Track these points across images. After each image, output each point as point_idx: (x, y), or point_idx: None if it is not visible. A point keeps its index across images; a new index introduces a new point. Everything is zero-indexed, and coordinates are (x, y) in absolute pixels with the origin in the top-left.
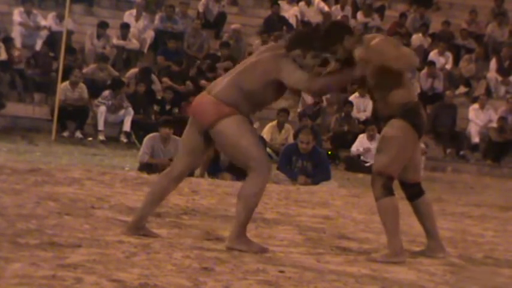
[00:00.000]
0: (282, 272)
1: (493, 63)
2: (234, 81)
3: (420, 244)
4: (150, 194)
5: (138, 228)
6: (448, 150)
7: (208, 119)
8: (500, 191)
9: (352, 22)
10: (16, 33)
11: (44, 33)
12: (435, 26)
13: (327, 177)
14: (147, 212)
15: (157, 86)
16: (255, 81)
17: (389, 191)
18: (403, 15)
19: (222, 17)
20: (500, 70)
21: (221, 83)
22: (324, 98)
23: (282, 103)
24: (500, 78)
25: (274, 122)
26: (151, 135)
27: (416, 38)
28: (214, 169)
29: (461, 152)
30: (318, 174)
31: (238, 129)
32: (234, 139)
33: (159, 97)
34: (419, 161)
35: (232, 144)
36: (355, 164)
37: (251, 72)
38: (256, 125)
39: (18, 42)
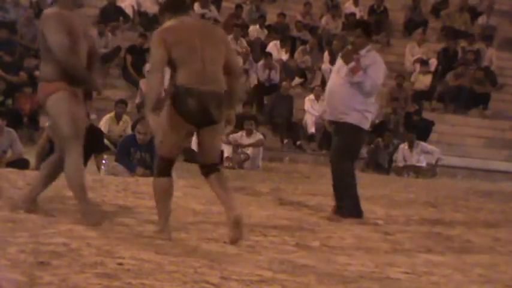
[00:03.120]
0: (120, 264)
1: (326, 55)
2: (43, 57)
3: (259, 234)
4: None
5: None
6: (285, 141)
7: (40, 103)
8: None
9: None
10: None
11: None
12: (271, 17)
13: None
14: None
15: None
16: (47, 50)
17: (161, 172)
18: (239, 7)
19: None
20: (332, 62)
21: None
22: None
23: None
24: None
25: (112, 114)
26: None
27: (253, 30)
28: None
29: (298, 142)
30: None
31: (58, 108)
32: (55, 119)
33: None
34: (209, 145)
35: (54, 123)
36: (193, 155)
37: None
38: (93, 116)
39: None
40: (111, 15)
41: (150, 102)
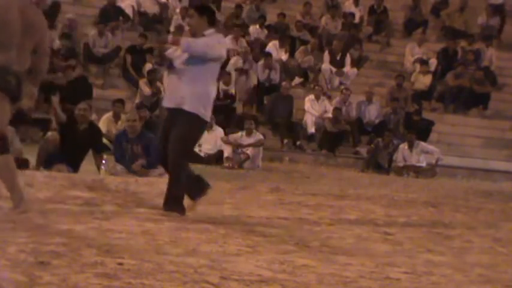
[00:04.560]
0: (120, 264)
1: (326, 55)
2: None
3: (259, 234)
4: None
5: None
6: (285, 141)
7: None
8: (335, 180)
9: (190, 12)
10: None
11: None
12: (271, 17)
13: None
14: None
15: None
16: None
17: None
18: (239, 7)
19: (56, 6)
20: (332, 62)
21: None
22: (161, 88)
23: None
24: (334, 70)
25: (110, 113)
26: None
27: (253, 30)
28: (49, 161)
29: (298, 142)
30: (150, 157)
31: None
32: None
33: None
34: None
35: None
36: (194, 155)
37: None
38: (93, 116)
39: None
40: (111, 15)
41: None
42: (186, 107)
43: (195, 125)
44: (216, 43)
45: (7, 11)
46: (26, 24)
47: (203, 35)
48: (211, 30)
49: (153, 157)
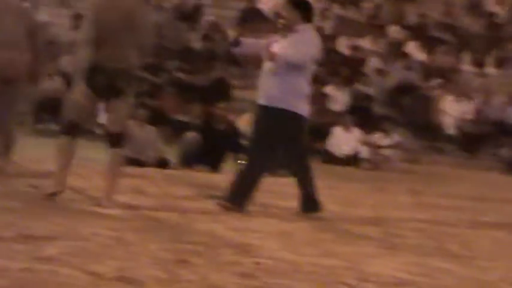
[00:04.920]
0: (257, 263)
1: (466, 56)
2: None
3: (397, 236)
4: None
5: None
6: (424, 142)
7: None
8: (475, 182)
9: (328, 14)
10: None
11: None
12: (411, 17)
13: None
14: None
15: None
16: None
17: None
18: (378, 8)
19: (198, 9)
20: (474, 62)
21: None
22: None
23: None
24: (474, 70)
25: (249, 115)
26: None
27: (393, 30)
28: (190, 161)
29: (437, 144)
30: None
31: None
32: None
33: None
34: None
35: None
36: (331, 156)
37: None
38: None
39: None
40: (251, 17)
41: None
42: (277, 103)
43: (286, 121)
44: (310, 46)
45: (100, 10)
46: (125, 22)
47: (295, 31)
48: (304, 26)
49: None
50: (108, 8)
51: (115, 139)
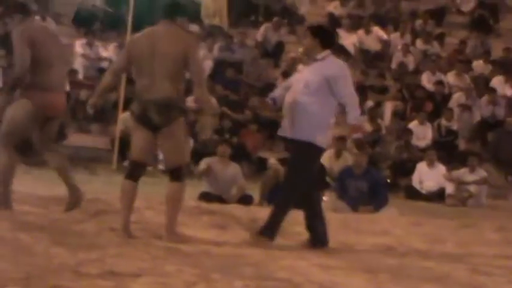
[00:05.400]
0: None
1: None
2: None
3: (483, 273)
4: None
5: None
6: (510, 178)
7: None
8: None
9: (411, 49)
10: (78, 65)
11: (105, 64)
12: (496, 52)
13: (384, 201)
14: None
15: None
16: None
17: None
18: (463, 42)
19: (280, 46)
20: None
21: None
22: (382, 125)
23: None
24: None
25: (332, 150)
26: (208, 158)
27: (477, 65)
28: (272, 196)
29: None
30: (375, 197)
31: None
32: None
33: (218, 126)
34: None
35: None
36: (415, 192)
37: None
38: None
39: (80, 74)
40: (333, 52)
41: None
42: (299, 135)
43: (307, 153)
44: (349, 80)
45: (136, 45)
46: (161, 54)
47: (316, 59)
48: (325, 53)
49: (380, 196)
50: (143, 40)
51: (174, 173)
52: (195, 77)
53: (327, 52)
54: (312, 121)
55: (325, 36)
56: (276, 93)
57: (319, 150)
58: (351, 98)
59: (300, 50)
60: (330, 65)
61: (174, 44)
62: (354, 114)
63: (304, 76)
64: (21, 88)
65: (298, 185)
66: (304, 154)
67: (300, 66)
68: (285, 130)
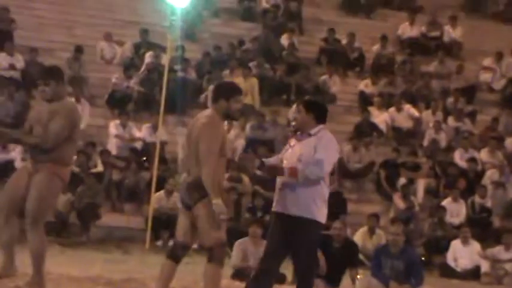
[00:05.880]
0: None
1: None
2: None
3: None
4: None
5: None
6: None
7: None
8: None
9: (443, 126)
10: (112, 145)
11: (139, 145)
12: None
13: (420, 281)
14: None
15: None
16: None
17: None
18: (495, 120)
19: None
20: None
21: None
22: (416, 203)
23: None
24: None
25: (365, 228)
26: (241, 240)
27: (510, 142)
28: None
29: None
30: (411, 276)
31: None
32: None
33: (250, 204)
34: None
35: None
36: (450, 270)
37: None
38: (348, 231)
39: (113, 154)
40: (364, 130)
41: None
42: (298, 212)
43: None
44: (331, 153)
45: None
46: (192, 137)
47: (309, 134)
48: (318, 128)
49: (417, 275)
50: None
51: (207, 253)
52: (200, 156)
53: (320, 127)
54: (309, 196)
55: (319, 111)
56: (267, 160)
57: (320, 226)
58: (319, 162)
59: (293, 123)
60: (322, 139)
61: (199, 126)
62: (311, 170)
63: (297, 151)
64: (46, 159)
65: (311, 263)
66: (307, 231)
67: (292, 141)
68: (283, 206)
